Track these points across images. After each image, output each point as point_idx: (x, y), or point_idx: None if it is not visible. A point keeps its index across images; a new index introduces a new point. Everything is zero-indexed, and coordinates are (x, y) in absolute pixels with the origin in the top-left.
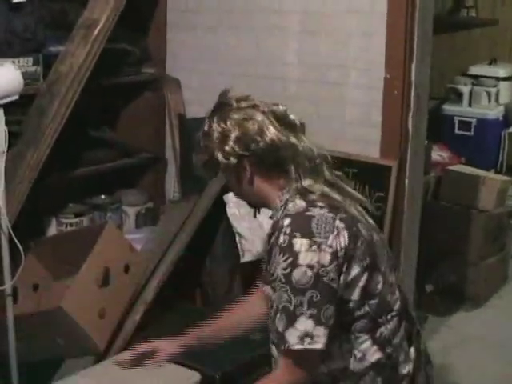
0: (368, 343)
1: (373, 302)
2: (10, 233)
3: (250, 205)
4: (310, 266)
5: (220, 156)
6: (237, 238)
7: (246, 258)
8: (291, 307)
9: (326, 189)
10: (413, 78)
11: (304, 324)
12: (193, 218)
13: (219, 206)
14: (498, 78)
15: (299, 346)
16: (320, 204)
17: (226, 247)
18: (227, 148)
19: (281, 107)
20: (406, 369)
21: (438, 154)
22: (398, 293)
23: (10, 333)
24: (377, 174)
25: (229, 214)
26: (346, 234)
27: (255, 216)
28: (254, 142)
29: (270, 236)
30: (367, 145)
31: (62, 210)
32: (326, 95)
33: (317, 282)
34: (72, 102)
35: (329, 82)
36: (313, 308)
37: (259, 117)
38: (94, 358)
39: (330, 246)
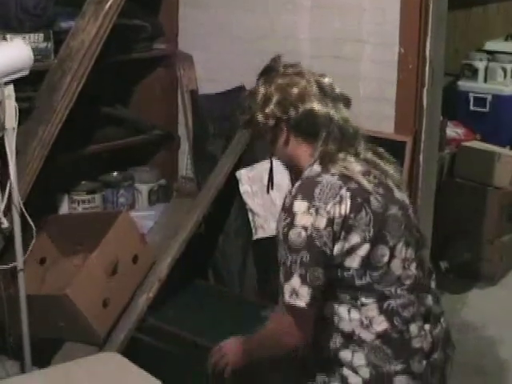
0: (375, 312)
1: (375, 273)
2: (21, 209)
3: (285, 166)
4: (305, 228)
5: (260, 117)
6: (249, 215)
7: (259, 234)
8: (288, 264)
9: (351, 159)
10: (427, 52)
11: (294, 281)
12: (205, 196)
13: (232, 183)
14: None
15: (287, 301)
16: (333, 171)
17: (238, 224)
18: (267, 110)
19: (326, 79)
20: (419, 343)
21: (453, 131)
22: (414, 269)
23: (23, 308)
24: (391, 149)
25: (241, 191)
26: (348, 202)
27: (268, 192)
28: (293, 108)
29: None
30: (381, 120)
31: (74, 187)
32: (340, 71)
33: (309, 243)
34: (83, 77)
35: (342, 57)
36: (302, 267)
37: (302, 84)
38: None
39: (328, 212)
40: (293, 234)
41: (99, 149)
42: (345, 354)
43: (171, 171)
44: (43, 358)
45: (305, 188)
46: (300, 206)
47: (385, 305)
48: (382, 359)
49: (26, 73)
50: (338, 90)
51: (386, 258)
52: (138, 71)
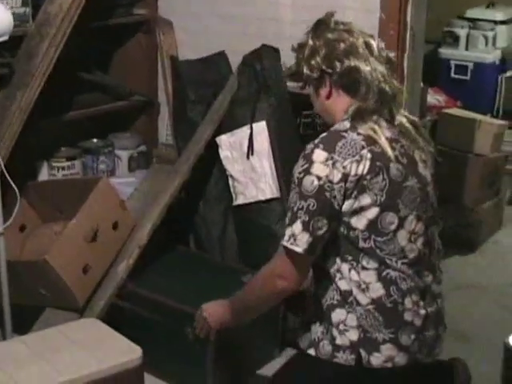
0: (373, 278)
1: (380, 239)
2: (3, 175)
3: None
4: (318, 178)
5: (305, 68)
6: (230, 181)
7: (239, 200)
8: (295, 208)
9: (383, 123)
10: (408, 18)
11: (296, 226)
12: (185, 162)
13: (213, 149)
14: (495, 22)
15: (284, 243)
16: (361, 131)
17: (219, 190)
18: (313, 62)
19: (375, 40)
20: (411, 317)
21: (434, 98)
22: (420, 245)
23: (3, 274)
24: None
25: (222, 157)
26: (367, 164)
27: (248, 158)
28: (337, 62)
29: None
30: None
31: (53, 154)
32: None
33: (319, 193)
34: (61, 43)
35: None
36: (306, 215)
37: (350, 41)
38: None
39: (344, 167)
40: (306, 181)
41: (79, 115)
42: (340, 313)
43: (151, 137)
44: (24, 325)
45: (329, 139)
46: (319, 155)
47: (384, 273)
48: (372, 325)
49: (5, 38)
50: (385, 53)
51: (393, 227)
52: (118, 37)
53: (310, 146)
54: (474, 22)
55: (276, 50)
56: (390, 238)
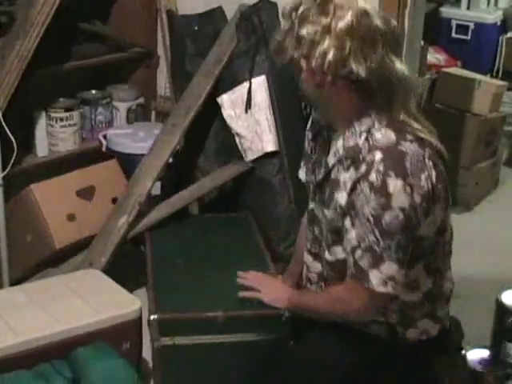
0: (422, 273)
1: (441, 237)
2: (1, 124)
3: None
4: (402, 209)
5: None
6: (236, 139)
7: (249, 156)
8: (378, 249)
9: (407, 118)
10: None
11: (390, 268)
12: (185, 115)
13: (211, 103)
14: None
15: (382, 289)
16: (409, 137)
17: (219, 144)
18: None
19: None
20: (448, 291)
21: (434, 57)
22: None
23: (2, 229)
24: None
25: (225, 116)
26: (434, 173)
27: (246, 112)
28: (368, 58)
29: (340, 161)
30: None
31: (51, 104)
32: None
33: (406, 225)
34: None
35: None
36: (399, 251)
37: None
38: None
39: (422, 188)
40: (389, 217)
41: (78, 65)
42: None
43: (150, 90)
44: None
45: (393, 162)
46: (395, 185)
47: (431, 265)
48: (413, 307)
49: None
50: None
51: (450, 219)
52: None
53: (375, 176)
54: None
55: (274, 4)
56: (449, 231)
